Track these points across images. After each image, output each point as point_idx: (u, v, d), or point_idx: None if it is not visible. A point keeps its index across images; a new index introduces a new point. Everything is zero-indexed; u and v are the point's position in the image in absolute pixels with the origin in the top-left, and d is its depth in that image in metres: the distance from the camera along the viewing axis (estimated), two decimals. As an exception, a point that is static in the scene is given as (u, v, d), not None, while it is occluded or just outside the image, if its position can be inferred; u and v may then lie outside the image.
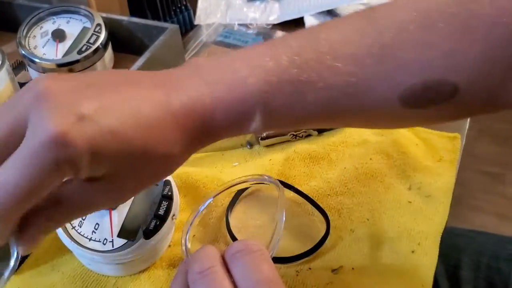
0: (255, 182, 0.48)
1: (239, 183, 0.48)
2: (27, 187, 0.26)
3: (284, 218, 0.41)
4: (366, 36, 0.34)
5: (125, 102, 0.29)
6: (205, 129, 0.32)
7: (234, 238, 0.48)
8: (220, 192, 0.49)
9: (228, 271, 0.32)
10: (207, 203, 0.48)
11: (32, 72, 0.65)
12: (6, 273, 0.32)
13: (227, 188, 0.49)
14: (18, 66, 0.71)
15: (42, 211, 0.29)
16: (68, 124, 0.26)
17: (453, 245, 0.71)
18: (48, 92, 0.27)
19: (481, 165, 1.67)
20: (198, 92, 0.31)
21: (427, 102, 0.34)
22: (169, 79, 0.32)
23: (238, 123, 0.33)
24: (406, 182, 0.53)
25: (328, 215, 0.50)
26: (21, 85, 0.59)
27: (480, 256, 0.69)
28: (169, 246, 0.49)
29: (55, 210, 0.30)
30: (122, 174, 0.30)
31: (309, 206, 0.51)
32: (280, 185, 0.44)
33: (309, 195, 0.51)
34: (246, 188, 0.53)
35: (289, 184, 0.52)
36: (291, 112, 0.34)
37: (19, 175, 0.26)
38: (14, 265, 0.32)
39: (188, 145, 0.32)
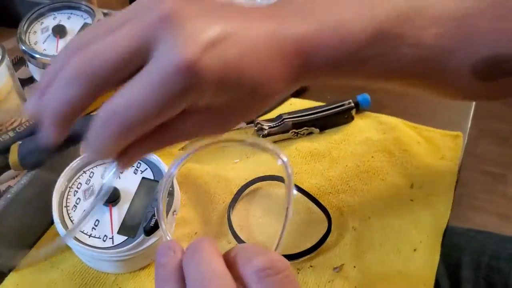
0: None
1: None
2: (151, 111, 0.26)
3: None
4: (449, 0, 0.35)
5: (247, 34, 0.29)
6: (307, 68, 0.33)
7: (236, 236, 0.48)
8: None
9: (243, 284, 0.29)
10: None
11: (32, 68, 0.65)
12: (105, 178, 0.33)
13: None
14: (18, 62, 0.70)
15: (150, 135, 0.29)
16: (198, 54, 0.26)
17: (453, 245, 0.71)
18: (175, 16, 0.27)
19: (482, 165, 1.67)
20: (304, 29, 0.32)
21: (497, 74, 0.36)
22: (278, 14, 0.32)
23: (336, 66, 0.33)
24: (408, 180, 0.53)
25: (330, 213, 0.49)
26: (21, 81, 0.59)
27: (481, 255, 0.69)
28: (170, 243, 0.49)
29: (163, 135, 0.30)
30: (231, 105, 0.30)
31: (310, 204, 0.51)
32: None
33: (310, 193, 0.51)
34: (248, 186, 0.53)
35: None
36: (382, 64, 0.35)
37: (145, 97, 0.26)
38: (111, 179, 0.32)
39: (290, 82, 0.32)
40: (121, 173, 0.48)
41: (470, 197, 1.57)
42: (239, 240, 0.48)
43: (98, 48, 0.27)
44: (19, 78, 0.60)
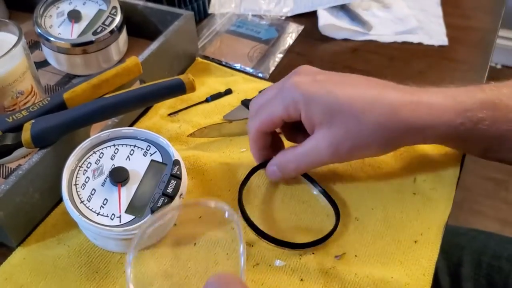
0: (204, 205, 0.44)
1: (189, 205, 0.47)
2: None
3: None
4: None
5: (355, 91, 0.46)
6: (404, 140, 0.48)
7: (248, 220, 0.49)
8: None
9: None
10: None
11: (46, 51, 0.66)
12: None
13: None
14: (33, 46, 0.72)
15: None
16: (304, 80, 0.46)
17: (455, 244, 0.72)
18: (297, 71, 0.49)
19: (485, 170, 1.67)
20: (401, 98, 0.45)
21: None
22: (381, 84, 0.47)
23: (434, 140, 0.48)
24: (412, 174, 0.53)
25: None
26: (35, 64, 0.60)
27: (482, 255, 0.69)
28: (175, 225, 0.50)
29: None
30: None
31: (316, 192, 0.52)
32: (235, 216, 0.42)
33: (321, 185, 0.52)
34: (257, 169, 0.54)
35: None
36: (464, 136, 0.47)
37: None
38: None
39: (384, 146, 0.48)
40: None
41: (472, 202, 1.58)
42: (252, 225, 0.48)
43: (265, 116, 0.48)
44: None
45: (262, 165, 0.52)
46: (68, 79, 0.67)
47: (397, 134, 0.45)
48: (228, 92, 0.65)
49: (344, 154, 0.46)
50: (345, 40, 0.74)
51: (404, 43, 0.74)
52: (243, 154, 0.58)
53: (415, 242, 0.48)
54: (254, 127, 0.49)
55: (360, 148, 0.46)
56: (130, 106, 0.52)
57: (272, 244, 0.47)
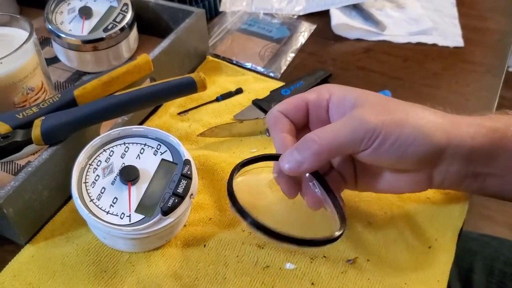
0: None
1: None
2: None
3: None
4: None
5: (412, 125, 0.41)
6: (438, 157, 0.42)
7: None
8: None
9: None
10: None
11: (57, 48, 0.65)
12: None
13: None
14: (43, 42, 0.71)
15: None
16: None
17: (467, 249, 0.70)
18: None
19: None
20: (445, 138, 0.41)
21: None
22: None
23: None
24: (426, 178, 0.52)
25: (347, 206, 0.49)
26: (46, 60, 0.59)
27: (494, 261, 0.68)
28: (185, 225, 0.49)
29: None
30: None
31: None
32: None
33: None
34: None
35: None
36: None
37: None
38: None
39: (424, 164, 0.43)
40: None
41: (481, 207, 1.56)
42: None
43: (290, 98, 0.47)
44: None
45: (267, 158, 0.45)
46: (78, 76, 0.66)
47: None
48: (239, 91, 0.64)
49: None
50: (358, 40, 0.73)
51: (418, 44, 0.73)
52: (253, 154, 0.57)
53: (430, 247, 0.47)
54: (275, 107, 0.46)
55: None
56: (141, 104, 0.52)
57: (274, 240, 0.40)
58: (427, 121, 0.41)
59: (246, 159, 0.44)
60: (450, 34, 0.73)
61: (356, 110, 0.42)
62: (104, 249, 0.47)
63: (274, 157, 0.44)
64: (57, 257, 0.47)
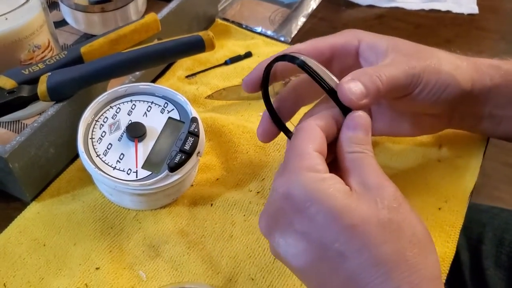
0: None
1: None
2: None
3: None
4: None
5: None
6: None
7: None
8: None
9: None
10: None
11: (64, 9, 0.64)
12: None
13: None
14: (51, 6, 0.70)
15: None
16: None
17: (476, 220, 0.69)
18: None
19: (505, 156, 1.63)
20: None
21: None
22: None
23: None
24: (437, 141, 0.51)
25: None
26: (54, 24, 0.59)
27: (504, 232, 0.67)
28: (192, 185, 0.49)
29: None
30: None
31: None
32: None
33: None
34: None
35: None
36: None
37: None
38: None
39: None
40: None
41: (491, 188, 1.54)
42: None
43: None
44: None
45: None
46: (85, 39, 0.65)
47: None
48: (248, 55, 0.63)
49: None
50: (371, 6, 0.72)
51: (431, 10, 0.71)
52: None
53: (439, 209, 0.46)
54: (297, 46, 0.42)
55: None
56: (148, 62, 0.51)
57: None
58: (456, 66, 0.42)
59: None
60: (465, 1, 0.72)
61: (396, 56, 0.40)
62: (110, 206, 0.47)
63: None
64: (63, 214, 0.47)
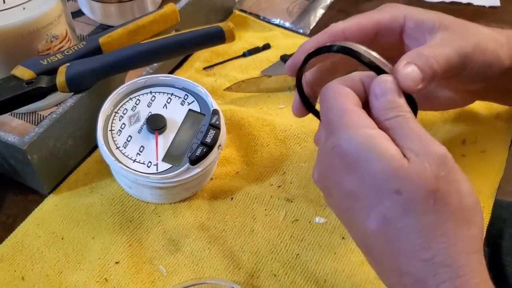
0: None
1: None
2: None
3: None
4: None
5: None
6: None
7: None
8: None
9: None
10: None
11: (80, 0, 0.64)
12: None
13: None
14: (65, -4, 0.70)
15: None
16: None
17: (496, 215, 0.68)
18: None
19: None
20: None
21: None
22: None
23: None
24: (460, 135, 0.50)
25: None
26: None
27: (525, 229, 0.66)
28: (211, 179, 0.48)
29: None
30: None
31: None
32: None
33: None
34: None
35: None
36: None
37: None
38: None
39: None
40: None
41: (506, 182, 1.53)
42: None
43: None
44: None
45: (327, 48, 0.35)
46: (102, 30, 0.64)
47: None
48: (267, 47, 0.62)
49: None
50: (390, -2, 0.71)
51: (452, 3, 0.70)
52: (281, 110, 0.55)
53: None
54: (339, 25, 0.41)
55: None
56: (167, 53, 0.50)
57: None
58: (499, 44, 0.41)
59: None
60: (486, -6, 0.70)
61: (446, 35, 0.39)
62: (129, 199, 0.47)
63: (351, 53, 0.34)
64: (81, 207, 0.46)
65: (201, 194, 0.47)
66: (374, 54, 0.34)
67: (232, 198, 0.46)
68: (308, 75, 0.41)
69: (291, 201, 0.46)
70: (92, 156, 0.50)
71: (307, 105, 0.40)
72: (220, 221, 0.45)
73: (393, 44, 0.41)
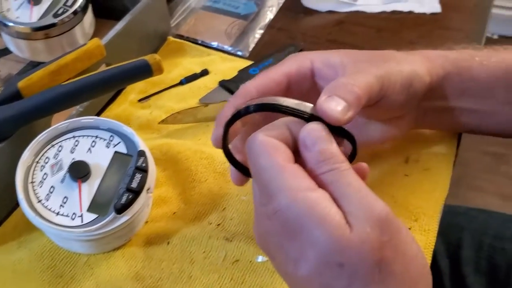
0: None
1: None
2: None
3: None
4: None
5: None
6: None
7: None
8: None
9: None
10: None
11: (5, 38, 0.61)
12: None
13: None
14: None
15: None
16: None
17: (454, 224, 0.67)
18: None
19: (483, 145, 1.63)
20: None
21: None
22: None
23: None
24: (403, 154, 0.49)
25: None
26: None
27: (483, 235, 0.65)
28: (146, 222, 0.46)
29: None
30: None
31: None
32: None
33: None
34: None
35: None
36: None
37: None
38: None
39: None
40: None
41: (470, 178, 1.54)
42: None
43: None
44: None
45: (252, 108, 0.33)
46: (32, 67, 0.62)
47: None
48: (205, 73, 0.60)
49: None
50: (330, 12, 0.69)
51: (393, 12, 0.69)
52: (221, 140, 0.53)
53: (409, 229, 0.43)
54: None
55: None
56: (92, 92, 0.47)
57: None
58: (413, 61, 0.42)
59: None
60: (427, 0, 0.69)
61: (356, 65, 0.38)
62: (59, 252, 0.44)
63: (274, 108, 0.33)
64: (7, 265, 0.43)
65: (135, 240, 0.44)
66: (292, 100, 0.32)
67: (168, 243, 0.44)
68: (236, 142, 0.40)
69: (231, 241, 0.44)
70: (20, 208, 0.47)
71: (245, 172, 0.37)
72: (156, 269, 0.42)
73: (308, 90, 0.40)
